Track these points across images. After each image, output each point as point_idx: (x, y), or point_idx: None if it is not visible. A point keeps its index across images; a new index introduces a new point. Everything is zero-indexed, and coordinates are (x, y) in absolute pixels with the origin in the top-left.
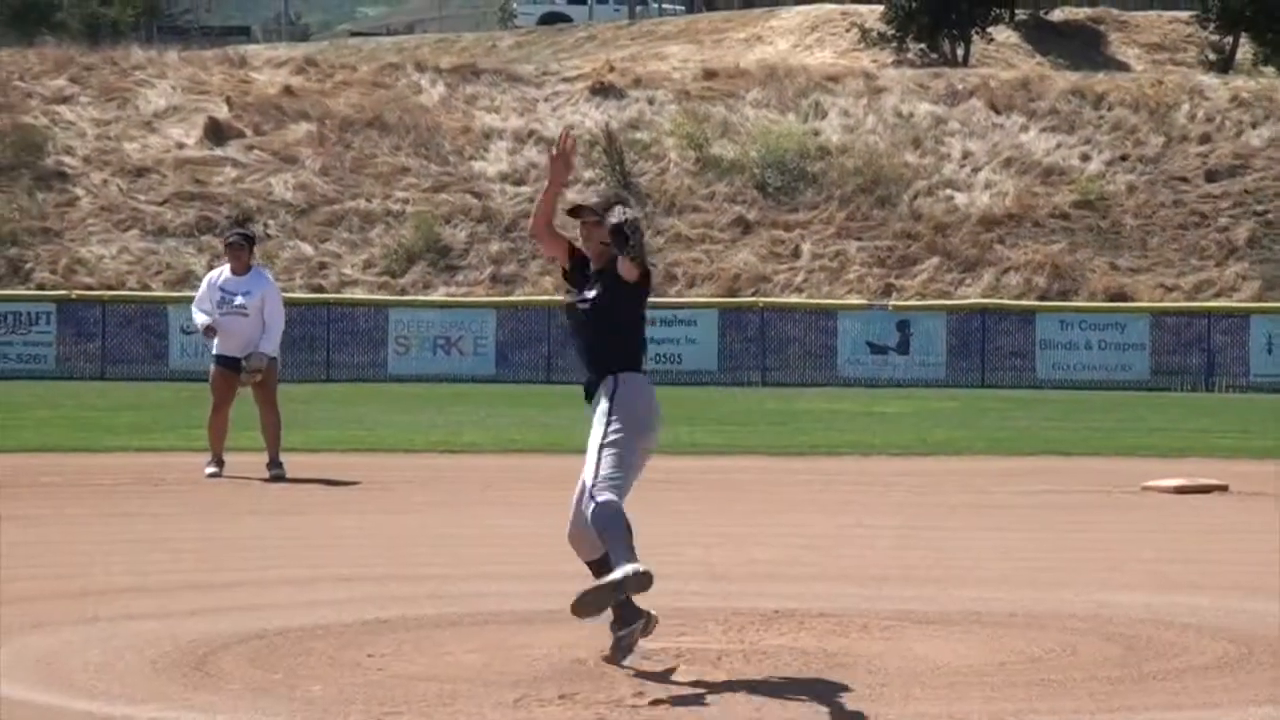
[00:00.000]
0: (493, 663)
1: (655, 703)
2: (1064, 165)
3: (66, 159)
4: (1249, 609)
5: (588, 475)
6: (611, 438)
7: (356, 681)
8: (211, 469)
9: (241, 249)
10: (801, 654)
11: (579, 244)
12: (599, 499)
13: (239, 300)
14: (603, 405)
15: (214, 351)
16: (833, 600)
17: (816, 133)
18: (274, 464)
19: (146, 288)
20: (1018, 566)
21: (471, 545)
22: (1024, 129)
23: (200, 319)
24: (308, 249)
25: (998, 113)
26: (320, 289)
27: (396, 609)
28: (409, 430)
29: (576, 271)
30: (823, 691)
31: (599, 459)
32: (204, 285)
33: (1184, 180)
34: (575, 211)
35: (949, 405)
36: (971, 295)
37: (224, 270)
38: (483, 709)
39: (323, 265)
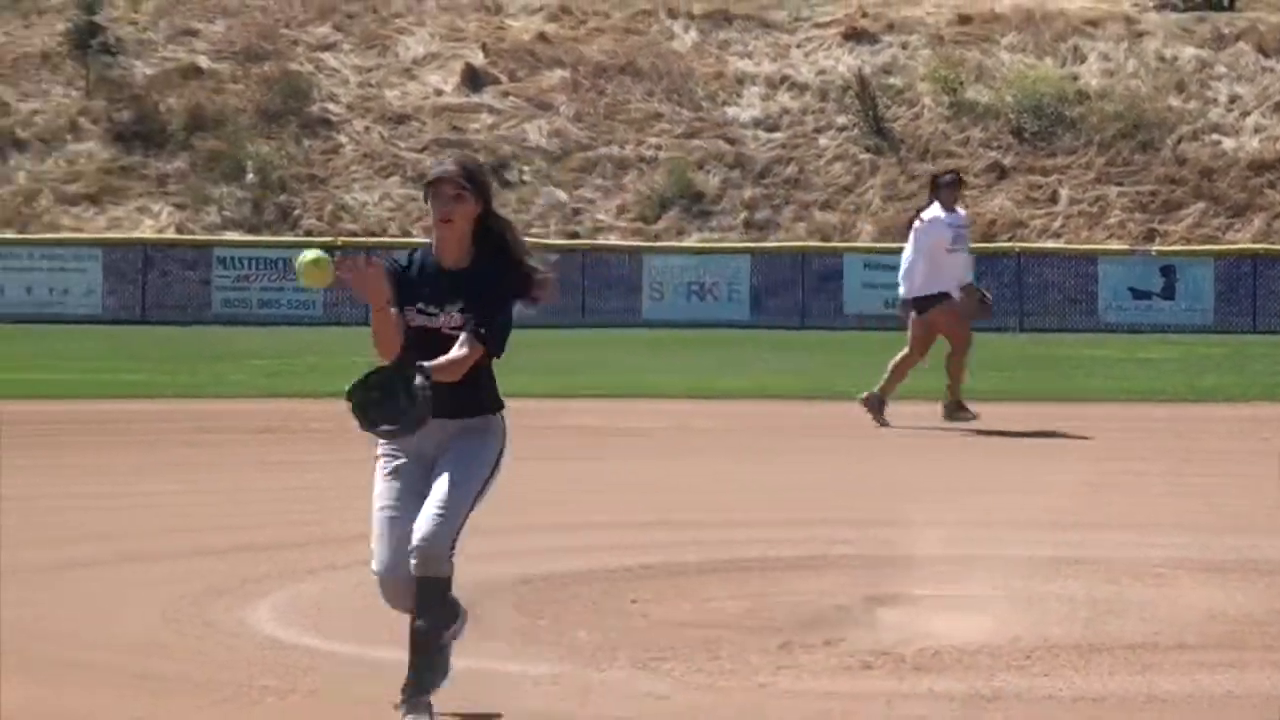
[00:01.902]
0: (756, 609)
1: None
2: None
3: (330, 106)
4: None
5: (434, 523)
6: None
7: (621, 627)
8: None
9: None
10: (1070, 601)
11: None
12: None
13: (961, 235)
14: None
15: (934, 290)
16: (1101, 548)
17: (1075, 77)
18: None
19: (407, 234)
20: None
21: (732, 491)
22: None
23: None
24: (562, 195)
25: (1267, 56)
26: (575, 235)
27: (658, 555)
28: (664, 375)
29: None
30: (1093, 640)
31: (467, 506)
32: (928, 226)
33: None
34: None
35: (1217, 351)
36: (1240, 240)
37: (936, 209)
38: (747, 655)
39: (576, 211)
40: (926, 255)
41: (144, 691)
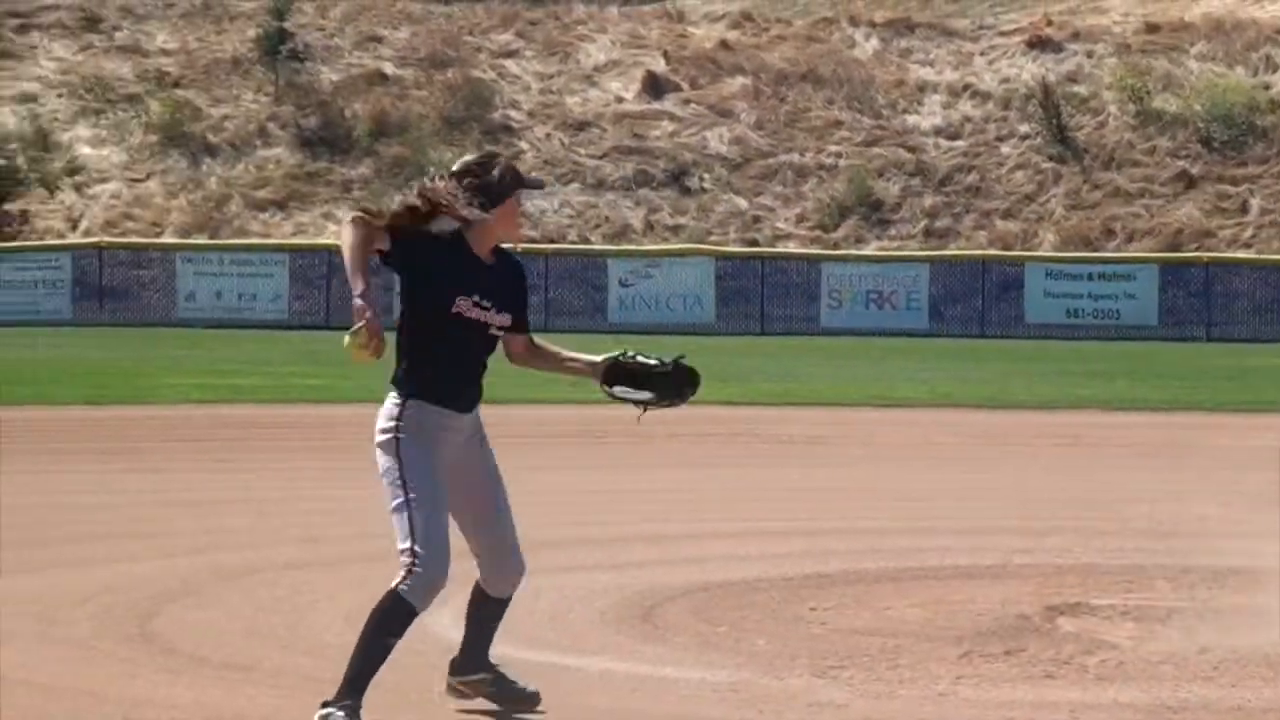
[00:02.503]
0: (935, 618)
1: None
2: None
3: (512, 112)
4: None
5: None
6: None
7: (799, 635)
8: None
9: None
10: (1259, 612)
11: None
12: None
13: None
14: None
15: None
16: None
17: (1267, 86)
18: None
19: (586, 241)
20: None
21: (909, 499)
22: None
23: None
24: (742, 203)
25: None
26: (754, 243)
27: (836, 563)
28: (843, 384)
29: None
30: None
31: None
32: None
33: None
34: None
35: None
36: None
37: None
38: (927, 664)
39: (756, 219)
40: None
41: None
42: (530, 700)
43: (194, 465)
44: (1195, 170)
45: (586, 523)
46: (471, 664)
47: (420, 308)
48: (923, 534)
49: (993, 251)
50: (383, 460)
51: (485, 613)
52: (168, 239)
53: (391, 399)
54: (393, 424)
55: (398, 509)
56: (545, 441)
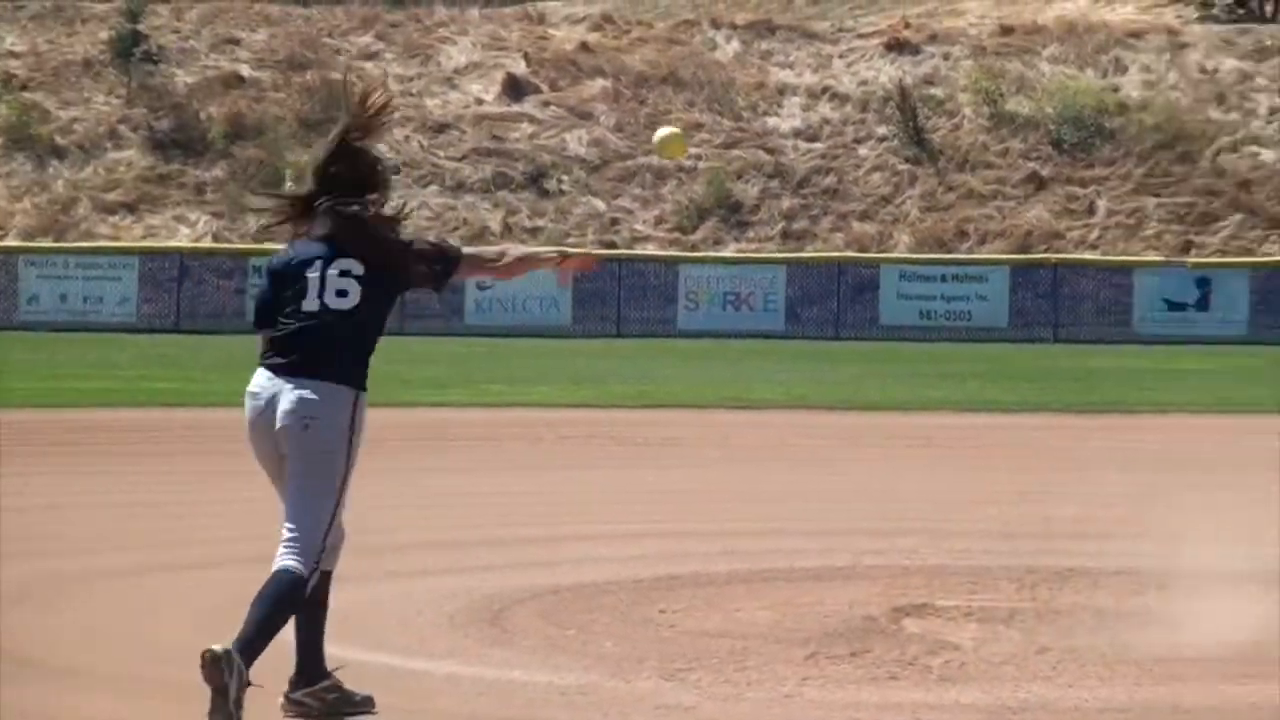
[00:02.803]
0: (784, 620)
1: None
2: None
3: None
4: None
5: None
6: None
7: (648, 637)
8: None
9: None
10: (1098, 613)
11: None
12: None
13: None
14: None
15: None
16: (1130, 559)
17: (1115, 89)
18: None
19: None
20: None
21: (763, 501)
22: None
23: None
24: (600, 205)
25: None
26: (612, 244)
27: (687, 565)
28: (699, 385)
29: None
30: (1120, 651)
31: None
32: None
33: None
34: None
35: (1253, 363)
36: (1276, 253)
37: None
38: (774, 666)
39: (614, 221)
40: None
41: (172, 700)
42: (365, 705)
43: (34, 469)
44: (1046, 172)
45: (436, 526)
46: (310, 675)
47: (387, 311)
48: (775, 536)
49: (849, 253)
50: (330, 450)
51: (311, 615)
52: (11, 242)
53: (347, 393)
54: (350, 420)
55: (324, 501)
56: (394, 445)
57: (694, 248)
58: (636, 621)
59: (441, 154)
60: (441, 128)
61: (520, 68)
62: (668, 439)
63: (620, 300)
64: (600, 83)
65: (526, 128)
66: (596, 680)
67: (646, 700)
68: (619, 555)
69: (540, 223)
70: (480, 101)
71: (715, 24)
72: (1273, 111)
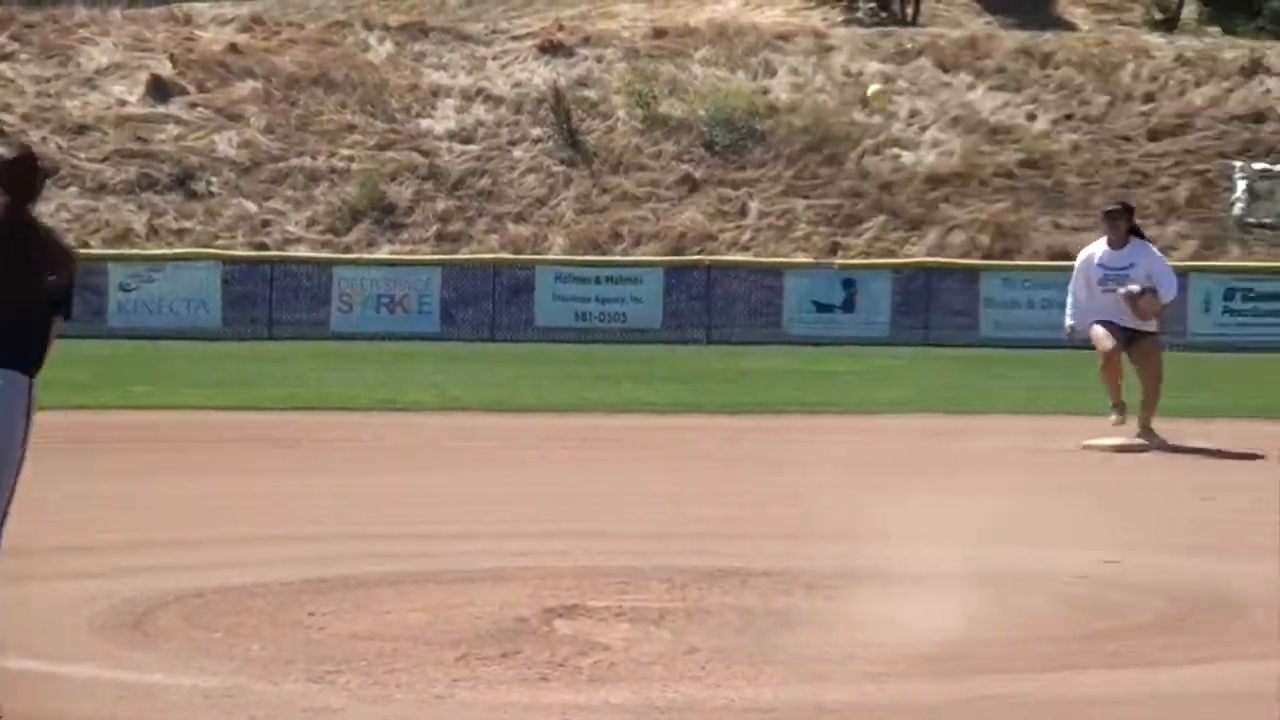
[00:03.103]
0: (435, 622)
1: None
2: (1010, 124)
3: (5, 116)
4: (1188, 567)
5: None
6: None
7: (297, 640)
8: (1116, 418)
9: (1119, 221)
10: (745, 612)
11: None
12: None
13: (1123, 276)
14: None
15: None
16: (777, 559)
17: (765, 91)
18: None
19: (86, 245)
20: (960, 525)
21: (414, 504)
22: (971, 88)
23: (1067, 321)
24: (251, 206)
25: (946, 71)
26: (263, 246)
27: (338, 568)
28: (352, 388)
29: None
30: (765, 650)
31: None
32: (1078, 268)
33: (1127, 139)
34: None
35: (894, 364)
36: (917, 254)
37: (1096, 248)
38: (424, 668)
39: (265, 223)
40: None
41: None
42: None
43: None
44: (699, 174)
45: (78, 529)
46: None
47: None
48: (426, 539)
49: (504, 255)
50: (20, 442)
51: None
52: None
53: (29, 384)
54: (26, 407)
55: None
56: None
57: (347, 249)
58: (284, 624)
59: (82, 155)
60: (81, 129)
61: (166, 69)
62: (320, 442)
63: (272, 302)
64: (250, 84)
65: (173, 129)
66: (243, 683)
67: (294, 703)
68: (268, 559)
69: (188, 225)
70: (123, 103)
71: (368, 25)
72: (912, 114)
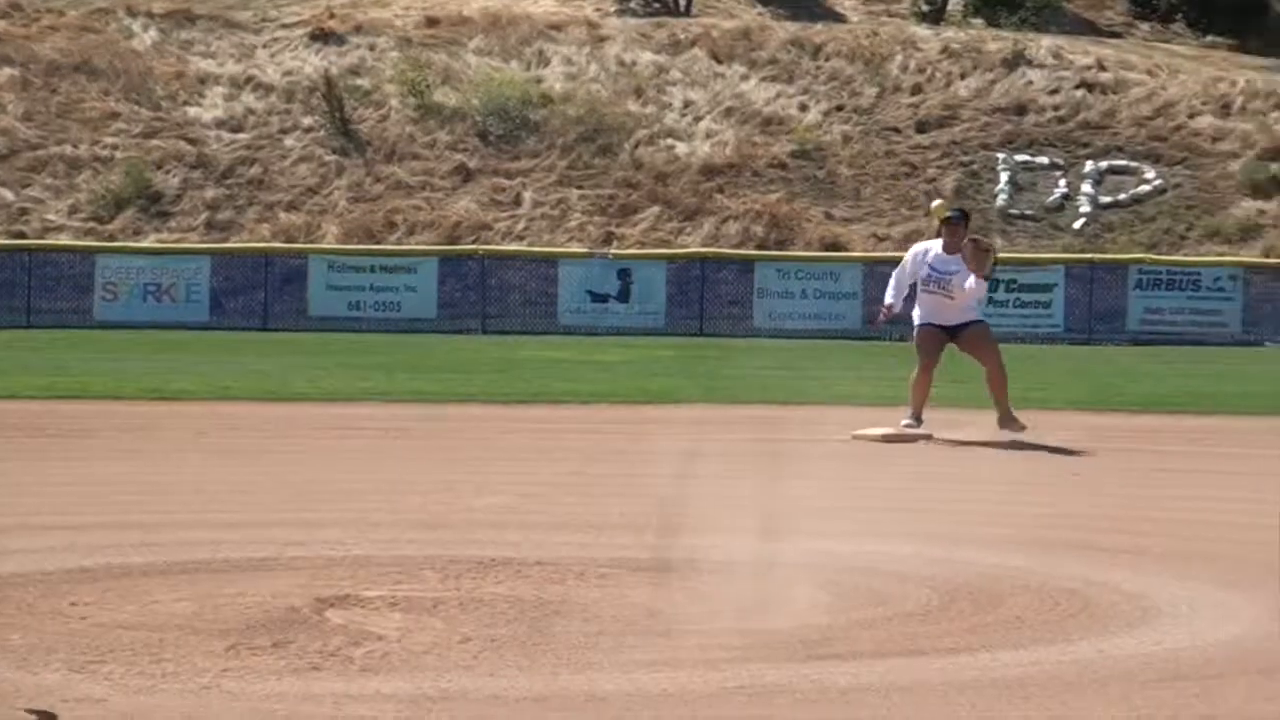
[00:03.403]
0: (203, 611)
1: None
2: (783, 115)
3: None
4: (953, 558)
5: None
6: None
7: (58, 630)
8: (908, 422)
9: (959, 225)
10: (518, 602)
11: None
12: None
13: (946, 280)
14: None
15: (918, 322)
16: (550, 549)
17: (539, 81)
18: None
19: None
20: (733, 514)
21: (181, 493)
22: (744, 78)
23: (887, 299)
24: (8, 195)
25: (719, 62)
26: (22, 235)
27: (102, 557)
28: (117, 377)
29: None
30: (537, 639)
31: None
32: (908, 257)
33: (896, 131)
34: None
35: (668, 354)
36: (691, 244)
37: (934, 246)
38: (192, 657)
39: (24, 211)
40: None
41: None
42: None
43: None
44: (473, 164)
45: None
46: None
47: None
48: (195, 527)
49: (276, 244)
50: None
51: None
52: None
53: None
54: None
55: None
56: None
57: (111, 238)
58: (45, 614)
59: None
60: None
61: None
62: (81, 430)
63: (30, 290)
64: (8, 71)
65: None
66: (0, 673)
67: (54, 693)
68: (28, 548)
69: None
70: None
71: (131, 12)
72: (686, 105)
